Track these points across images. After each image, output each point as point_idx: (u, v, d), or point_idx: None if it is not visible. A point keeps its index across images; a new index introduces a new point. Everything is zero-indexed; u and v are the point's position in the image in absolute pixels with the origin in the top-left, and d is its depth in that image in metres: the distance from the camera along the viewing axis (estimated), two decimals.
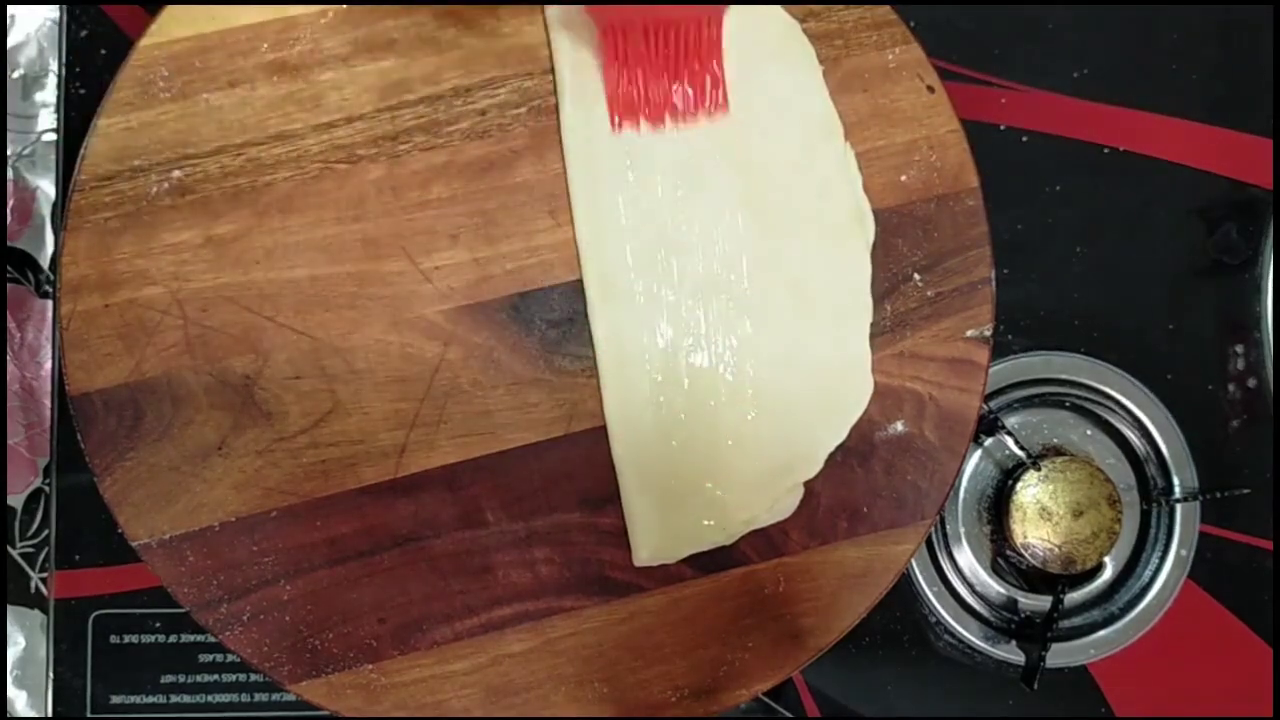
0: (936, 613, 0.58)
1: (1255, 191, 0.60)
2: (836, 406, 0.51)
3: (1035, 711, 0.59)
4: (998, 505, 0.57)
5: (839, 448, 0.51)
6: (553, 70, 0.50)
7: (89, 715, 0.57)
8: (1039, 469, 0.56)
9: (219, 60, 0.49)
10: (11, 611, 0.58)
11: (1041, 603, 0.58)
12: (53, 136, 0.58)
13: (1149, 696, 0.59)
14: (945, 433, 0.52)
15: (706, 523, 0.51)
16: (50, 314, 0.58)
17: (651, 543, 0.51)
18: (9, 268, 0.58)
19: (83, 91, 0.57)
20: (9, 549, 0.58)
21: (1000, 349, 0.58)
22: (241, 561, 0.50)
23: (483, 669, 0.51)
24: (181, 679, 0.57)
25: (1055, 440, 0.58)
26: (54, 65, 0.58)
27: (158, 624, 0.57)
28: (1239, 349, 0.60)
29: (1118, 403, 0.58)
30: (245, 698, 0.57)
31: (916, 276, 0.52)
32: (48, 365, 0.59)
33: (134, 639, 0.57)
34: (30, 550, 0.58)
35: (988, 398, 0.57)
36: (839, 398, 0.51)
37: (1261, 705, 0.59)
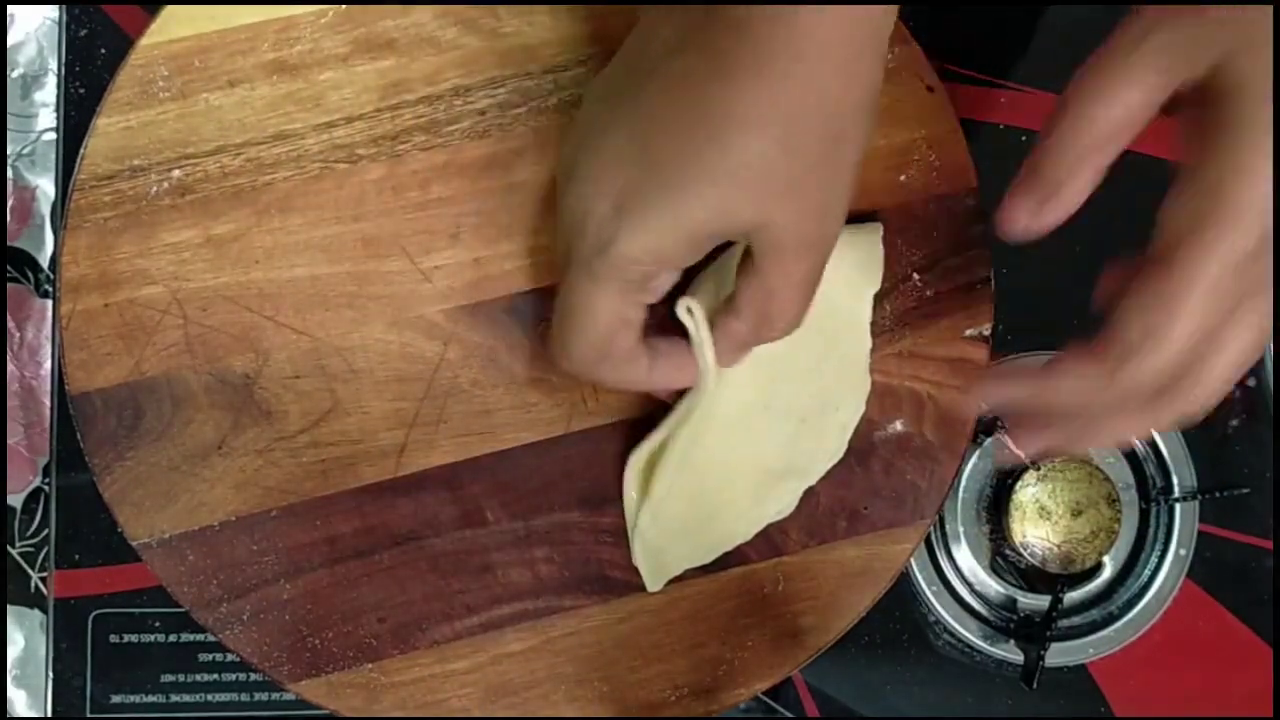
0: (936, 613, 0.58)
1: None
2: (835, 406, 0.51)
3: (1035, 711, 0.59)
4: (996, 505, 0.57)
5: None
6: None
7: (89, 715, 0.57)
8: (1037, 468, 0.56)
9: (219, 60, 0.49)
10: (11, 611, 0.58)
11: (1041, 602, 0.58)
12: (52, 136, 0.58)
13: (1149, 696, 0.59)
14: (944, 432, 0.52)
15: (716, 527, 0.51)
16: (50, 313, 0.58)
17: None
18: (9, 267, 0.58)
19: (82, 91, 0.57)
20: (9, 549, 0.58)
21: (1000, 349, 0.58)
22: (241, 561, 0.50)
23: (482, 668, 0.51)
24: (181, 679, 0.57)
25: None
26: (54, 65, 0.58)
27: (158, 624, 0.57)
28: None
29: None
30: (245, 698, 0.57)
31: (916, 276, 0.52)
32: (47, 365, 0.58)
33: (134, 639, 0.57)
34: (30, 550, 0.58)
35: None
36: (837, 397, 0.51)
37: (1261, 705, 0.58)
